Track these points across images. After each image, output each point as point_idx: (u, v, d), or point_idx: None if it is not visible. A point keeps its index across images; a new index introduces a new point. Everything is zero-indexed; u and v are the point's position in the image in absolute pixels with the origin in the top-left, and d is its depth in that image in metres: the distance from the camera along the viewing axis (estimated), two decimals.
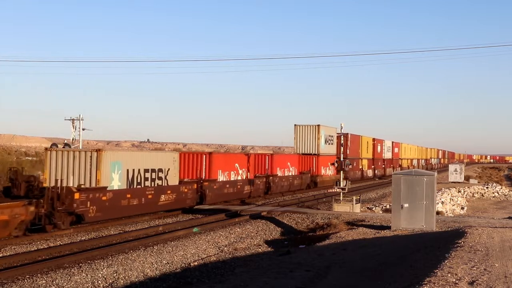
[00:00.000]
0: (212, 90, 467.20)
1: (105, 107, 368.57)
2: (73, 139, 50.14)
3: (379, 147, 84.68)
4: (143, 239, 25.03)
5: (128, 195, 29.61)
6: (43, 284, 17.35)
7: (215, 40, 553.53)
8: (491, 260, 14.36)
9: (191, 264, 22.60)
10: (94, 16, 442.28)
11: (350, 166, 44.53)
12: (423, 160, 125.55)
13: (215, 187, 38.29)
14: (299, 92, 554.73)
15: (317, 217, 32.89)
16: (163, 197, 32.47)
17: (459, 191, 61.80)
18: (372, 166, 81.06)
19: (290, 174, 51.97)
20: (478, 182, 79.40)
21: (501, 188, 69.32)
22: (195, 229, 28.10)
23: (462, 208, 47.47)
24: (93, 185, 27.66)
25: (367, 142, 78.56)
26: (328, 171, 61.17)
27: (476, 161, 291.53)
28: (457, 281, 11.87)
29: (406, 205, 25.74)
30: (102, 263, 19.96)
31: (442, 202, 44.36)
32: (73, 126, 50.91)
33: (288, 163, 52.18)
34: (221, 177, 39.60)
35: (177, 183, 34.18)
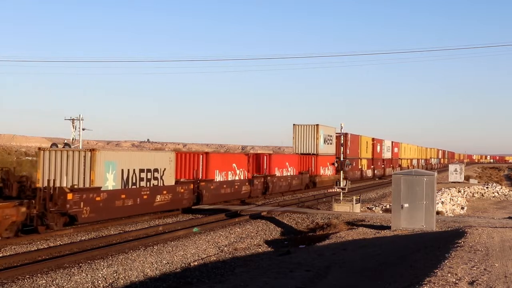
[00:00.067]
0: (212, 90, 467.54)
1: (105, 107, 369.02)
2: (73, 139, 50.11)
3: (378, 147, 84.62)
4: (143, 239, 25.02)
5: (123, 196, 29.22)
6: (43, 284, 17.35)
7: (214, 40, 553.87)
8: (491, 260, 14.36)
9: (191, 264, 22.60)
10: (94, 16, 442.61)
11: (350, 166, 44.54)
12: (423, 160, 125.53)
13: (212, 187, 38.00)
14: (298, 92, 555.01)
15: (317, 217, 32.89)
16: (158, 198, 32.17)
17: (459, 191, 61.79)
18: (372, 166, 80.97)
19: (288, 174, 51.72)
20: (478, 182, 79.39)
21: (501, 188, 69.31)
22: (195, 229, 28.09)
23: (462, 208, 47.46)
24: (87, 185, 27.29)
25: (367, 142, 78.43)
26: (327, 171, 60.98)
27: (476, 161, 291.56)
28: (457, 281, 11.87)
29: (406, 205, 25.74)
30: (102, 263, 19.96)
31: (442, 202, 44.36)
32: (73, 126, 50.91)
33: (287, 163, 51.93)
34: (218, 177, 39.32)
35: (173, 183, 33.86)
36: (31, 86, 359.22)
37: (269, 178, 47.08)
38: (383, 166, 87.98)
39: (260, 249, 26.00)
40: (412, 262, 16.62)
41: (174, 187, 33.79)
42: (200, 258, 23.72)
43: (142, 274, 20.29)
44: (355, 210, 34.80)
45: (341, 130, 39.44)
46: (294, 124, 59.04)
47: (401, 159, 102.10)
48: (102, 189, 27.76)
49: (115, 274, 19.46)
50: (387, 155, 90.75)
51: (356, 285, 15.89)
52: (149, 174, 31.66)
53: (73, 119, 50.95)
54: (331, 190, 39.46)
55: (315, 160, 58.02)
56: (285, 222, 32.72)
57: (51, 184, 25.47)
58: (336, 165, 38.38)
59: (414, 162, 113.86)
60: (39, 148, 28.83)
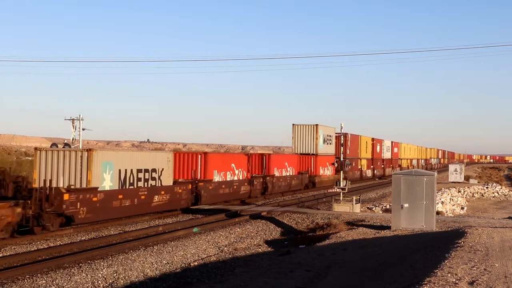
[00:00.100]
0: (212, 90, 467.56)
1: (105, 107, 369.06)
2: (73, 139, 50.10)
3: (378, 147, 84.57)
4: (143, 239, 25.01)
5: (120, 196, 29.03)
6: (43, 284, 17.35)
7: (214, 40, 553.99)
8: (491, 260, 14.37)
9: (191, 264, 22.60)
10: (94, 16, 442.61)
11: (350, 166, 44.54)
12: (422, 160, 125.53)
13: (210, 187, 37.81)
14: (298, 92, 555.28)
15: (317, 217, 32.89)
16: (156, 198, 31.97)
17: (459, 191, 61.79)
18: (371, 166, 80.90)
19: (288, 174, 51.53)
20: (478, 182, 79.40)
21: (501, 188, 69.31)
22: (195, 229, 28.08)
23: (462, 208, 47.46)
24: (84, 185, 27.09)
25: (366, 142, 78.32)
26: (326, 171, 60.83)
27: (476, 161, 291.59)
28: (457, 281, 11.87)
29: (406, 205, 25.75)
30: (102, 263, 19.96)
31: (442, 202, 44.36)
32: (73, 126, 50.91)
33: (286, 163, 51.75)
34: (216, 178, 39.14)
35: (171, 184, 33.69)
36: (31, 86, 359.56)
37: (268, 178, 46.90)
38: (382, 166, 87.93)
39: (260, 249, 26.00)
40: (412, 262, 16.63)
41: (172, 188, 33.62)
42: (200, 258, 23.72)
43: (142, 274, 20.29)
44: (355, 210, 34.79)
45: (341, 130, 39.42)
46: (293, 124, 58.90)
47: (401, 159, 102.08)
48: (99, 189, 27.59)
49: (115, 274, 19.46)
50: (386, 155, 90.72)
51: (356, 285, 15.90)
52: (146, 174, 31.49)
53: (73, 119, 50.96)
54: (331, 190, 39.44)
55: (315, 160, 57.89)
56: (285, 222, 32.72)
57: (47, 185, 25.26)
58: (336, 165, 38.43)
59: (414, 162, 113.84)
60: (36, 148, 28.58)
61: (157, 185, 32.34)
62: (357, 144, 72.59)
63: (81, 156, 27.40)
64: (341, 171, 37.72)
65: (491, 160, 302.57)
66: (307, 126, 58.61)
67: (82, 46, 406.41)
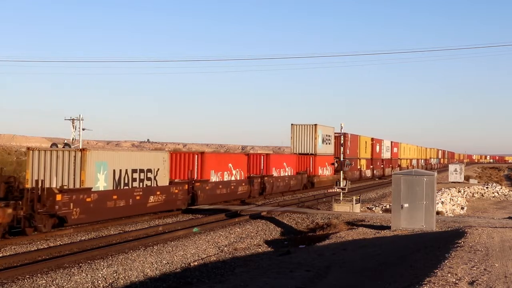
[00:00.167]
0: (212, 90, 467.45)
1: (105, 107, 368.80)
2: (73, 139, 50.11)
3: (378, 147, 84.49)
4: (143, 239, 25.01)
5: (115, 196, 28.62)
6: (43, 284, 17.35)
7: (214, 40, 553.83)
8: (491, 260, 14.37)
9: (191, 264, 22.61)
10: (94, 16, 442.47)
11: (350, 166, 44.54)
12: (422, 160, 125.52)
13: (207, 187, 37.47)
14: (298, 92, 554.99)
15: (317, 217, 32.89)
16: (152, 198, 31.64)
17: (459, 191, 61.79)
18: (371, 166, 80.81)
19: (286, 174, 51.25)
20: (478, 182, 79.41)
21: (501, 188, 69.31)
22: (195, 229, 28.08)
23: (462, 208, 47.46)
24: (77, 186, 26.73)
25: (366, 142, 78.18)
26: (325, 171, 60.64)
27: (476, 161, 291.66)
28: (457, 281, 11.87)
29: (406, 205, 25.75)
30: (102, 263, 19.96)
31: (442, 202, 44.37)
32: (73, 126, 50.93)
33: (284, 163, 51.50)
34: (213, 178, 38.81)
35: (167, 184, 33.38)
36: (31, 86, 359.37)
37: (266, 178, 46.53)
38: (382, 166, 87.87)
39: (260, 249, 26.01)
40: (412, 262, 16.63)
41: (168, 188, 33.30)
42: (200, 258, 23.72)
43: (142, 274, 20.29)
44: (355, 210, 34.80)
45: (341, 130, 39.38)
46: (292, 124, 58.60)
47: (401, 159, 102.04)
48: (92, 189, 27.22)
49: (115, 274, 19.46)
50: (386, 155, 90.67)
51: (356, 285, 15.90)
52: (142, 174, 31.15)
53: (73, 119, 50.98)
54: (331, 190, 39.43)
55: (313, 160, 57.63)
56: (285, 222, 32.72)
57: (39, 185, 24.88)
58: (336, 165, 38.41)
59: (414, 162, 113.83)
60: (28, 148, 28.21)
61: (152, 185, 32.01)
62: (357, 144, 72.50)
63: (75, 156, 27.06)
64: (341, 171, 37.70)
65: (491, 160, 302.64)
66: (306, 126, 58.38)
67: (82, 46, 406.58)
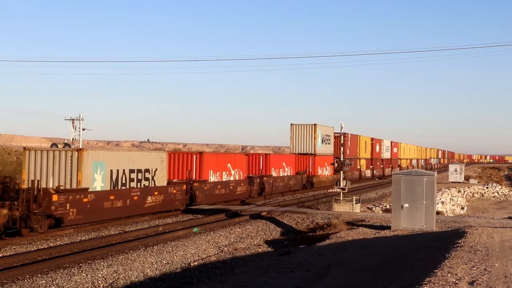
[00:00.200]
0: (212, 90, 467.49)
1: (105, 107, 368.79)
2: (73, 139, 50.13)
3: (377, 147, 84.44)
4: (143, 239, 25.01)
5: (112, 197, 28.36)
6: (43, 284, 17.35)
7: (215, 40, 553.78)
8: (491, 260, 14.37)
9: (191, 264, 22.61)
10: (94, 16, 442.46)
11: (350, 166, 44.52)
12: (422, 160, 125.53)
13: (205, 188, 37.19)
14: (298, 92, 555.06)
15: (317, 217, 32.89)
16: (149, 199, 31.35)
17: (459, 191, 61.78)
18: (371, 166, 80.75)
19: (285, 174, 51.03)
20: (478, 182, 79.39)
21: (501, 188, 69.29)
22: (195, 229, 28.08)
23: (462, 208, 47.45)
24: (74, 186, 26.53)
25: (365, 142, 78.07)
26: (325, 171, 60.49)
27: (476, 161, 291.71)
28: (457, 281, 11.88)
29: (406, 205, 25.75)
30: (102, 263, 19.96)
31: (442, 202, 44.36)
32: (73, 126, 50.95)
33: (284, 163, 51.31)
34: (212, 178, 38.60)
35: (165, 184, 33.17)
36: (31, 86, 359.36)
37: (265, 178, 46.28)
38: (382, 166, 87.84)
39: (260, 249, 26.01)
40: (412, 262, 16.63)
41: (166, 188, 33.06)
42: (200, 258, 23.72)
43: (142, 274, 20.29)
44: (355, 210, 34.80)
45: (341, 130, 39.33)
46: (291, 124, 58.38)
47: (401, 159, 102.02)
48: (89, 190, 27.00)
49: (115, 274, 19.46)
50: (386, 155, 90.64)
51: (356, 285, 15.90)
52: (139, 174, 30.93)
53: (73, 119, 51.03)
54: (331, 190, 39.42)
55: (313, 160, 57.46)
56: (285, 222, 32.72)
57: (35, 185, 24.65)
58: (336, 165, 38.37)
59: (414, 162, 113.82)
60: (25, 148, 27.96)
61: (150, 185, 31.79)
62: (356, 144, 72.41)
63: (71, 156, 26.83)
64: (341, 171, 37.69)
65: (491, 160, 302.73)
66: (305, 126, 58.19)
67: (82, 46, 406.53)
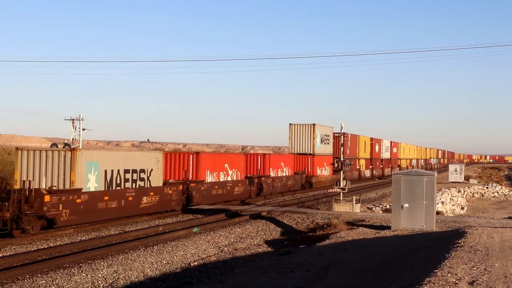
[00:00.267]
0: (212, 90, 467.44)
1: (105, 107, 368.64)
2: (73, 139, 50.12)
3: (377, 147, 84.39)
4: (143, 239, 25.01)
5: (106, 197, 28.01)
6: (43, 284, 17.36)
7: (214, 40, 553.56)
8: (491, 260, 14.38)
9: (191, 264, 22.61)
10: (94, 16, 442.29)
11: (350, 166, 44.50)
12: (422, 160, 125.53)
13: (202, 188, 36.83)
14: (298, 92, 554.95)
15: (317, 217, 32.90)
16: (145, 199, 30.98)
17: (459, 191, 61.79)
18: (370, 166, 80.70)
19: (284, 174, 50.69)
20: (478, 182, 79.41)
21: (501, 188, 69.29)
22: (195, 229, 28.08)
23: (462, 208, 47.46)
24: (67, 186, 26.19)
25: (365, 141, 77.95)
26: (324, 172, 60.28)
27: (476, 161, 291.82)
28: (457, 281, 11.88)
29: (406, 205, 25.76)
30: (102, 263, 19.96)
31: (442, 202, 44.37)
32: (73, 126, 50.96)
33: (282, 163, 50.98)
34: (209, 178, 38.24)
35: (161, 185, 32.85)
36: (31, 86, 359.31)
37: (263, 179, 45.91)
38: (381, 166, 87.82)
39: (260, 249, 26.01)
40: (412, 262, 16.64)
41: (162, 188, 32.74)
42: (200, 258, 23.73)
43: (142, 274, 20.30)
44: (355, 210, 34.81)
45: (341, 130, 39.33)
46: (290, 124, 58.09)
47: (400, 159, 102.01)
48: (83, 190, 26.65)
49: (115, 274, 19.47)
50: (386, 155, 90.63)
51: (356, 285, 15.90)
52: (134, 174, 30.61)
53: (73, 119, 51.02)
54: (331, 190, 39.41)
55: (312, 160, 57.20)
56: (285, 222, 32.73)
57: (27, 186, 24.32)
58: (336, 165, 38.32)
59: (414, 162, 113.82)
60: (17, 148, 27.60)
61: (146, 186, 31.47)
62: (356, 144, 72.29)
63: (64, 156, 26.49)
64: (341, 171, 37.70)
65: (491, 160, 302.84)
66: (304, 126, 57.92)
67: (82, 46, 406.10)
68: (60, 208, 25.15)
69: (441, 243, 18.83)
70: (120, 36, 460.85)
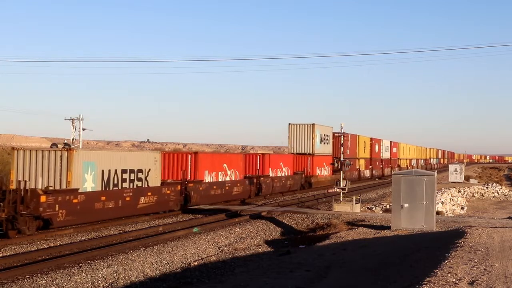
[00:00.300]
0: (212, 90, 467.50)
1: (105, 107, 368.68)
2: (73, 139, 50.16)
3: (376, 147, 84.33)
4: (143, 239, 25.01)
5: (103, 198, 27.79)
6: (43, 284, 17.36)
7: (214, 40, 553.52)
8: (491, 260, 14.38)
9: (191, 264, 22.61)
10: (94, 16, 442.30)
11: (350, 166, 44.49)
12: (422, 160, 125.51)
13: (201, 188, 36.61)
14: (298, 92, 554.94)
15: (317, 217, 32.90)
16: (142, 199, 30.76)
17: (459, 191, 61.80)
18: (370, 166, 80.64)
19: (283, 174, 50.49)
20: (478, 182, 79.41)
21: (501, 188, 69.29)
22: (195, 229, 28.09)
23: (462, 208, 47.47)
24: (64, 187, 25.95)
25: (364, 141, 77.85)
26: (323, 172, 60.13)
27: (476, 161, 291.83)
28: (457, 281, 11.88)
29: (406, 205, 25.76)
30: (102, 263, 19.96)
31: (442, 202, 44.37)
32: (73, 126, 50.98)
33: (281, 163, 50.81)
34: (207, 178, 38.05)
35: (158, 185, 32.62)
36: (31, 86, 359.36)
37: (262, 179, 45.68)
38: (381, 166, 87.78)
39: (260, 249, 26.02)
40: (412, 262, 16.64)
41: (160, 189, 32.54)
42: (200, 258, 23.73)
43: (142, 274, 20.30)
44: (355, 210, 34.81)
45: (341, 130, 39.34)
46: (289, 124, 57.93)
47: (400, 159, 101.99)
48: (80, 190, 26.44)
49: (115, 274, 19.47)
50: (385, 155, 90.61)
51: (356, 285, 15.90)
52: (132, 175, 30.41)
53: (73, 119, 51.05)
54: (331, 190, 39.40)
55: (311, 160, 57.05)
56: (285, 222, 32.73)
57: (23, 186, 24.15)
58: (336, 165, 38.31)
59: (413, 162, 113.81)
60: (13, 148, 27.32)
61: (143, 186, 31.28)
62: (355, 144, 72.17)
63: (61, 156, 26.23)
64: (341, 171, 37.70)
65: (491, 160, 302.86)
66: (303, 126, 57.73)
67: (82, 46, 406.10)
68: (57, 209, 24.96)
69: (441, 243, 18.84)
70: (120, 36, 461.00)
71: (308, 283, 16.61)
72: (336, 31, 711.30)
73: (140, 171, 31.17)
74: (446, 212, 41.78)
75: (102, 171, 28.30)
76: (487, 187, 67.52)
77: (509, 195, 62.77)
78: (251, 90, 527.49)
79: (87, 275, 18.69)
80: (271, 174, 48.21)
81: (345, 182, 36.42)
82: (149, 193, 31.51)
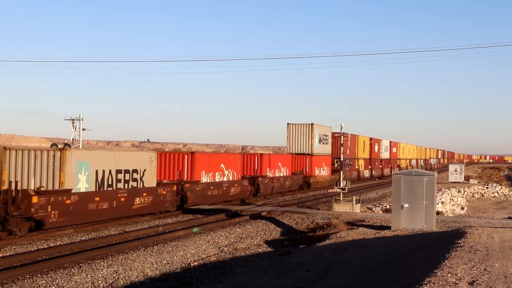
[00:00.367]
0: (212, 90, 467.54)
1: (105, 107, 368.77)
2: (73, 139, 50.18)
3: (376, 147, 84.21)
4: (143, 239, 25.01)
5: (97, 198, 27.30)
6: (43, 284, 17.35)
7: (214, 40, 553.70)
8: (491, 260, 14.38)
9: (191, 264, 22.61)
10: (94, 16, 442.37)
11: (350, 166, 44.52)
12: (422, 160, 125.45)
13: (197, 189, 36.20)
14: (298, 92, 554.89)
15: (317, 217, 32.89)
16: (138, 200, 30.30)
17: (459, 191, 61.79)
18: (369, 167, 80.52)
19: (281, 174, 50.17)
20: (478, 182, 79.41)
21: (501, 188, 69.31)
22: (195, 229, 28.08)
23: (462, 208, 47.47)
24: (56, 187, 25.45)
25: (364, 141, 77.65)
26: (322, 172, 59.86)
27: (476, 161, 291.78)
28: (457, 281, 11.88)
29: (406, 205, 25.75)
30: (102, 263, 19.96)
31: (442, 202, 44.38)
32: (73, 126, 51.00)
33: (280, 164, 50.51)
34: (204, 179, 37.68)
35: (154, 185, 32.13)
36: (31, 86, 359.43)
37: (260, 179, 45.33)
38: (381, 166, 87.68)
39: (260, 249, 26.01)
40: (412, 262, 16.64)
41: (155, 189, 32.12)
42: (200, 258, 23.73)
43: (142, 274, 20.30)
44: (355, 210, 34.80)
45: (341, 130, 39.33)
46: (288, 123, 57.67)
47: (400, 159, 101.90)
48: (73, 191, 25.94)
49: (115, 274, 19.46)
50: (385, 155, 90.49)
51: (356, 285, 15.90)
52: (127, 175, 29.97)
53: (73, 119, 51.08)
54: (331, 190, 39.38)
55: (310, 160, 56.74)
56: (285, 222, 32.73)
57: (14, 186, 23.75)
58: (336, 165, 38.36)
59: (413, 162, 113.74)
60: (5, 148, 26.62)
61: (138, 186, 30.83)
62: (355, 144, 71.92)
63: (53, 156, 25.67)
64: (341, 171, 37.69)
65: (491, 160, 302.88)
66: (302, 126, 57.44)
67: (82, 46, 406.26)
68: (49, 209, 24.51)
69: (441, 243, 18.83)
70: (120, 36, 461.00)
71: (308, 283, 16.61)
72: (336, 31, 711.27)
73: (135, 171, 30.74)
74: (446, 212, 41.78)
75: (96, 171, 27.84)
76: (487, 187, 67.52)
77: (509, 195, 62.77)
78: (251, 90, 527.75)
79: (87, 275, 18.69)
80: (269, 175, 47.92)
81: (345, 182, 36.42)
82: (145, 194, 31.08)
